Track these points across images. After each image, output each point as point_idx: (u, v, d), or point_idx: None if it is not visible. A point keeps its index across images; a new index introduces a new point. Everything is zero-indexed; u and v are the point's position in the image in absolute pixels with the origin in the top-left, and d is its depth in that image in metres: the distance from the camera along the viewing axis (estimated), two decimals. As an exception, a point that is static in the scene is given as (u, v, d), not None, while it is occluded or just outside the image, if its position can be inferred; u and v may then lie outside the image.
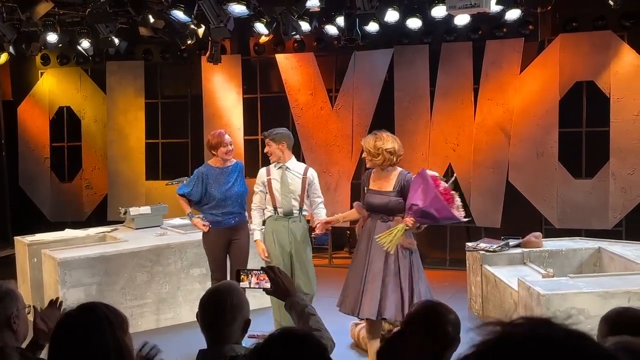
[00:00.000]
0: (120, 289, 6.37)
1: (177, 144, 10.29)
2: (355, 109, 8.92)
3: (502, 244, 6.62)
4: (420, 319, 2.39)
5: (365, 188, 5.05)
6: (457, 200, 4.76)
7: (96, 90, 10.42)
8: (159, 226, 7.49)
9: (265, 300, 7.16)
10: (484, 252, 6.55)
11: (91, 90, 10.43)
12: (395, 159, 4.93)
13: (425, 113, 8.66)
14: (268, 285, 2.64)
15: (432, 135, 8.63)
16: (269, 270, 2.65)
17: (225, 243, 5.88)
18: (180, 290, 6.65)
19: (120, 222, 7.77)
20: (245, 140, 9.54)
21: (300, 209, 5.66)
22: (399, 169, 5.02)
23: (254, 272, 2.70)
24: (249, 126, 9.57)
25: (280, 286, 2.62)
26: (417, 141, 8.70)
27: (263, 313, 6.32)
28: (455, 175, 5.18)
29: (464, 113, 8.50)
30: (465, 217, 4.77)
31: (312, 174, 5.73)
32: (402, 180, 4.93)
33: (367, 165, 5.08)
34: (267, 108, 9.68)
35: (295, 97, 9.17)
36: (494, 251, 6.54)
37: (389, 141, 4.92)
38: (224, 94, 9.58)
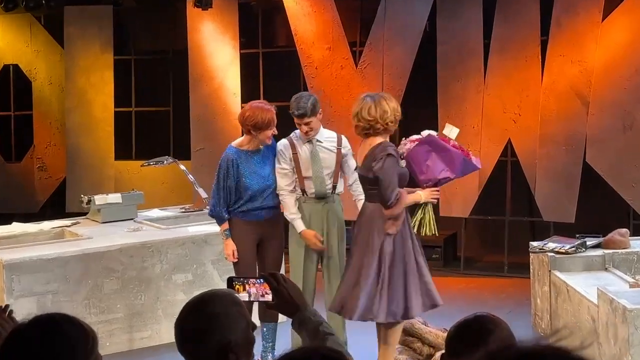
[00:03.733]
0: (83, 299, 6.40)
1: (155, 113, 10.30)
2: (387, 68, 8.89)
3: (577, 243, 6.59)
4: (461, 337, 2.39)
5: None
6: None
7: (51, 44, 10.44)
8: (132, 219, 7.51)
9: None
10: (553, 254, 6.53)
11: (45, 43, 10.45)
12: (379, 127, 5.32)
13: (478, 74, 8.61)
14: (270, 297, 2.63)
15: (487, 103, 8.58)
16: (271, 279, 2.63)
17: (255, 241, 5.94)
18: (160, 301, 6.68)
19: (83, 213, 7.80)
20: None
21: (334, 187, 5.86)
22: (381, 139, 5.35)
23: (251, 280, 2.69)
24: (248, 90, 9.56)
25: (286, 298, 2.60)
26: (467, 110, 8.65)
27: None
28: (452, 127, 5.49)
29: (528, 73, 8.44)
30: (479, 163, 5.60)
31: (347, 143, 5.94)
32: (378, 154, 5.27)
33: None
34: (272, 67, 9.65)
35: (308, 53, 9.15)
36: (567, 253, 6.52)
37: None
38: (216, 49, 9.57)
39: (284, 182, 5.82)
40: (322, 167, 5.79)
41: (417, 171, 5.31)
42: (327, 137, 5.89)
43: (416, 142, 5.28)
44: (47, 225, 7.45)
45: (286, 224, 5.99)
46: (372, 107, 5.32)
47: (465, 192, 8.58)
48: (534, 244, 6.81)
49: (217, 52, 9.58)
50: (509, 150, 8.58)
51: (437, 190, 5.33)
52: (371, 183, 5.32)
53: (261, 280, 2.66)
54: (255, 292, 2.66)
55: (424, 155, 5.23)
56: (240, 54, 9.56)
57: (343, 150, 5.86)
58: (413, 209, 5.48)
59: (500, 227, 8.82)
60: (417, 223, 5.33)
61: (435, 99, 8.61)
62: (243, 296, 2.65)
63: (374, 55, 8.95)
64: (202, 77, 9.58)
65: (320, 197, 5.81)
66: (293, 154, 5.82)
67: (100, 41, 10.11)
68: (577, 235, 6.84)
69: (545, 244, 6.71)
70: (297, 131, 5.93)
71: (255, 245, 5.94)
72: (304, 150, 5.83)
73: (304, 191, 5.81)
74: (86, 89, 10.17)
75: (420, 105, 8.63)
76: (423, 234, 5.34)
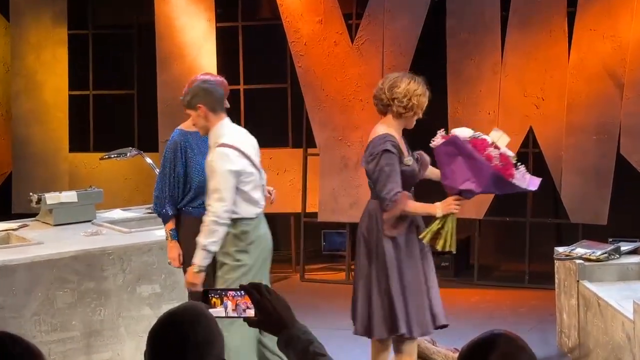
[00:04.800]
0: (32, 315, 6.39)
1: (117, 97, 10.28)
2: (388, 44, 8.89)
3: (609, 249, 6.61)
4: (475, 359, 2.39)
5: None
6: (513, 159, 5.12)
7: (-6, 16, 10.41)
8: (90, 221, 7.50)
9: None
10: (582, 261, 6.54)
11: (-13, 15, 10.42)
12: (384, 99, 5.41)
13: (494, 51, 8.63)
14: (252, 312, 2.63)
15: (504, 85, 8.60)
16: (253, 290, 2.63)
17: None
18: (123, 317, 6.67)
19: (32, 214, 7.79)
20: (220, 92, 9.53)
21: None
22: (385, 129, 5.40)
23: (230, 293, 2.68)
24: (225, 70, 9.53)
25: (271, 313, 2.60)
26: (481, 93, 8.67)
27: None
28: (501, 133, 5.31)
29: (552, 51, 8.46)
30: (535, 184, 5.17)
31: None
32: (375, 149, 5.33)
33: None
34: (253, 43, 9.64)
35: (296, 27, 9.15)
36: (598, 260, 6.53)
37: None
38: (188, 23, 9.56)
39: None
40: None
41: (441, 174, 5.28)
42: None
43: (443, 140, 5.19)
44: (-11, 228, 7.44)
45: None
46: (387, 78, 5.46)
47: (479, 189, 8.59)
48: (560, 249, 6.83)
49: (189, 26, 9.56)
50: (530, 141, 8.60)
51: (459, 202, 5.16)
52: (370, 178, 5.37)
53: (242, 292, 2.65)
54: (233, 306, 2.66)
55: (449, 157, 5.13)
56: (216, 28, 9.55)
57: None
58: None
59: (521, 230, 8.85)
60: (429, 234, 5.24)
61: (445, 81, 8.62)
62: (219, 311, 2.64)
63: (372, 29, 8.95)
64: (172, 55, 9.57)
65: None
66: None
67: (53, 13, 10.09)
68: (610, 240, 6.87)
69: (572, 250, 6.72)
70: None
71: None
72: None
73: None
74: (36, 69, 10.14)
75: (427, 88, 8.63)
76: (439, 249, 5.28)
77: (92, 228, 7.29)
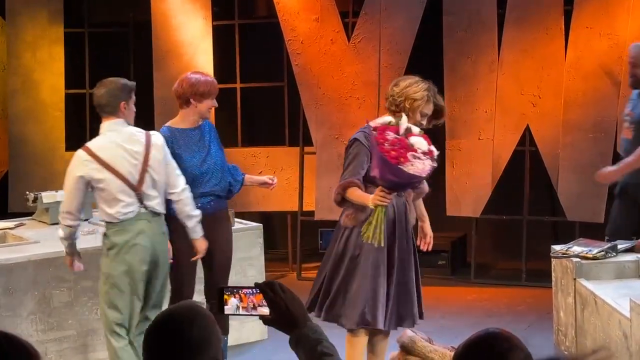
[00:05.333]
0: (29, 314, 6.38)
1: (113, 96, 10.25)
2: (384, 42, 8.89)
3: (606, 247, 6.61)
4: (471, 357, 2.39)
5: None
6: (420, 146, 5.09)
7: (-10, 15, 10.39)
8: (86, 220, 7.49)
9: (248, 333, 7.18)
10: (578, 259, 6.54)
11: (-17, 14, 10.40)
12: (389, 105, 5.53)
13: (491, 48, 8.63)
14: (266, 310, 2.62)
15: (501, 82, 8.60)
16: (266, 288, 2.62)
17: None
18: (119, 316, 6.67)
19: (29, 213, 7.78)
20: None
21: None
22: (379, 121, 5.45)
23: (243, 290, 2.68)
24: (222, 69, 9.54)
25: (283, 312, 2.60)
26: (478, 91, 8.66)
27: (246, 350, 6.32)
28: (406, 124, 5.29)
29: (549, 49, 8.46)
30: (430, 165, 5.11)
31: None
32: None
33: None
34: (250, 42, 9.63)
35: (293, 25, 9.14)
36: (595, 258, 6.53)
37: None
38: (185, 21, 9.55)
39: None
40: None
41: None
42: None
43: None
44: (-14, 227, 7.43)
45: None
46: (402, 78, 5.66)
47: (476, 187, 8.60)
48: (557, 247, 6.82)
49: (185, 24, 9.55)
50: (527, 139, 8.59)
51: (385, 193, 5.13)
52: None
53: (254, 290, 2.65)
54: (244, 304, 2.65)
55: (374, 149, 5.23)
56: (212, 26, 9.54)
57: None
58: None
59: (517, 228, 8.84)
60: (366, 227, 5.28)
61: (441, 79, 8.61)
62: (230, 308, 2.65)
63: (369, 28, 8.94)
64: (168, 54, 9.56)
65: None
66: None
67: (49, 11, 10.07)
68: (607, 238, 6.85)
69: (569, 248, 6.72)
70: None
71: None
72: None
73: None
74: (32, 68, 10.12)
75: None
76: (365, 240, 5.29)
77: (89, 227, 7.28)
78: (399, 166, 4.99)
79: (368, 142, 5.32)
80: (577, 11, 8.33)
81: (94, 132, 10.08)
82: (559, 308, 6.76)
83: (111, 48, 10.34)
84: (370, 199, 5.19)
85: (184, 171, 5.88)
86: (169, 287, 5.96)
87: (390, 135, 5.09)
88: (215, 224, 6.04)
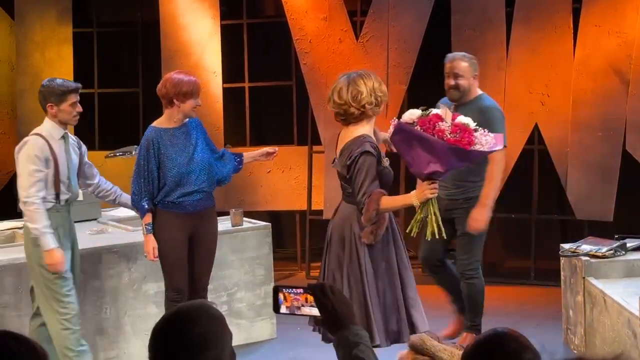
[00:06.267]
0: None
1: (122, 95, 10.27)
2: (393, 41, 8.89)
3: (615, 245, 6.60)
4: (480, 357, 2.39)
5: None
6: (469, 122, 5.06)
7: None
8: (95, 220, 7.50)
9: (257, 332, 7.18)
10: (587, 258, 6.54)
11: (-8, 14, 10.42)
12: (353, 111, 5.27)
13: (499, 47, 8.61)
14: (316, 311, 2.66)
15: (509, 81, 8.59)
16: (317, 290, 2.65)
17: (187, 238, 6.15)
18: (129, 316, 6.67)
19: (38, 213, 7.78)
20: (224, 90, 9.53)
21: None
22: (361, 130, 5.29)
23: (299, 290, 2.72)
24: (230, 68, 9.55)
25: (331, 313, 2.64)
26: (486, 90, 8.62)
27: (254, 349, 6.32)
28: (446, 109, 5.24)
29: (557, 47, 8.45)
30: (500, 140, 5.16)
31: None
32: (353, 151, 5.20)
33: None
34: (258, 41, 9.63)
35: (301, 24, 9.14)
36: (604, 257, 6.53)
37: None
38: (193, 20, 9.55)
39: (39, 188, 5.85)
40: (75, 167, 6.04)
41: (406, 162, 5.26)
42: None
43: (394, 129, 5.15)
44: (-5, 227, 7.44)
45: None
46: (343, 89, 5.31)
47: (484, 186, 8.58)
48: (566, 246, 6.82)
49: (194, 24, 9.56)
50: (535, 137, 8.58)
51: (432, 185, 5.05)
52: (347, 182, 5.30)
53: (301, 290, 2.71)
54: (298, 304, 2.70)
55: (406, 145, 5.09)
56: (221, 26, 9.54)
57: (83, 150, 6.24)
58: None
59: (526, 227, 8.83)
60: (415, 226, 5.19)
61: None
62: (285, 308, 2.69)
63: (377, 26, 8.94)
64: (177, 53, 9.56)
65: (70, 202, 6.04)
66: (52, 155, 5.95)
67: (57, 11, 10.08)
68: (616, 236, 6.84)
69: (578, 247, 6.72)
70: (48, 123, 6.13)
71: (186, 244, 6.14)
72: (60, 146, 6.03)
73: (58, 196, 5.93)
74: (41, 68, 10.13)
75: (432, 85, 8.61)
76: (427, 237, 5.24)
77: (98, 226, 7.30)
78: (472, 149, 4.96)
79: (376, 151, 5.23)
80: (586, 9, 8.32)
81: (103, 132, 10.18)
82: (568, 307, 6.75)
83: (119, 48, 10.35)
84: (414, 196, 5.11)
85: (171, 170, 6.01)
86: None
87: (444, 124, 4.99)
88: (203, 221, 6.19)
